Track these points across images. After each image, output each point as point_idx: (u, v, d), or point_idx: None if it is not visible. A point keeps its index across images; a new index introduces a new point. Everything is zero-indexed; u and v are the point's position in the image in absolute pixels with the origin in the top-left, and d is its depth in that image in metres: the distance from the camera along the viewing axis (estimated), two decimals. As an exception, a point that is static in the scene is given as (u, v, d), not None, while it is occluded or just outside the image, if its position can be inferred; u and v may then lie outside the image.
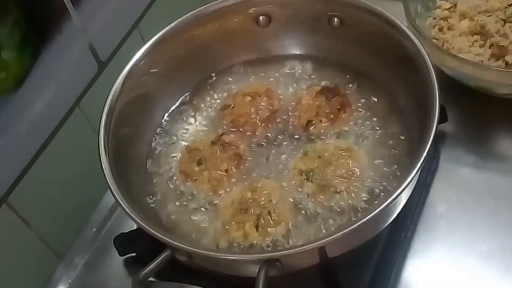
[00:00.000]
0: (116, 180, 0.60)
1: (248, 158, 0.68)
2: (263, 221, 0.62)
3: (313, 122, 0.69)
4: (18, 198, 0.67)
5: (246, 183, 0.66)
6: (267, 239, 0.61)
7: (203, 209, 0.65)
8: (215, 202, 0.65)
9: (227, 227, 0.62)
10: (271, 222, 0.62)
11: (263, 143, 0.69)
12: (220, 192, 0.66)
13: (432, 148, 0.57)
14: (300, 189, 0.64)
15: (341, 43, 0.73)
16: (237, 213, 0.63)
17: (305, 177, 0.64)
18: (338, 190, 0.63)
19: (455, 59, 0.70)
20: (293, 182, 0.65)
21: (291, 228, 0.62)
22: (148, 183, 0.69)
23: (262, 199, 0.63)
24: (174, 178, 0.68)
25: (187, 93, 0.76)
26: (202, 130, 0.72)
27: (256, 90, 0.73)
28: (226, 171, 0.67)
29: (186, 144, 0.70)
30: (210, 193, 0.66)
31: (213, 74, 0.77)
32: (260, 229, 0.61)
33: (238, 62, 0.77)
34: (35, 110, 0.68)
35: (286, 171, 0.66)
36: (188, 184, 0.67)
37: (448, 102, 0.69)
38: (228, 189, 0.66)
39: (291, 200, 0.64)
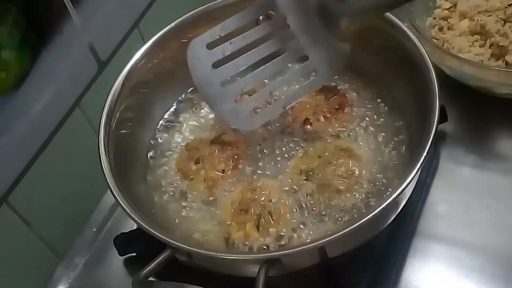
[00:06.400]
0: (116, 180, 0.60)
1: (248, 158, 0.68)
2: (263, 221, 0.62)
3: (311, 121, 0.69)
4: (18, 198, 0.67)
5: (245, 183, 0.66)
6: (268, 239, 0.61)
7: (202, 208, 0.65)
8: (214, 202, 0.65)
9: (228, 228, 0.63)
10: (272, 222, 0.62)
11: (262, 142, 0.69)
12: (215, 192, 0.66)
13: (432, 148, 0.57)
14: (300, 189, 0.64)
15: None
16: (237, 213, 0.63)
17: (305, 177, 0.64)
18: (338, 190, 0.63)
19: (455, 59, 0.70)
20: (293, 181, 0.65)
21: (291, 228, 0.62)
22: (148, 183, 0.69)
23: (262, 199, 0.63)
24: (173, 177, 0.68)
25: (187, 93, 0.76)
26: (201, 129, 0.72)
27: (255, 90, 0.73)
28: (223, 171, 0.66)
29: (186, 142, 0.70)
30: (206, 193, 0.66)
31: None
32: (260, 229, 0.61)
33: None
34: (35, 110, 0.68)
35: (286, 170, 0.66)
36: (186, 183, 0.67)
37: (448, 102, 0.69)
38: (224, 190, 0.66)
39: (291, 199, 0.64)
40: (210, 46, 0.66)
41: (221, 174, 0.66)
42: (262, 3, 0.66)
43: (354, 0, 0.62)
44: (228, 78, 0.66)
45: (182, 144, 0.71)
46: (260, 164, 0.68)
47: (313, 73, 0.67)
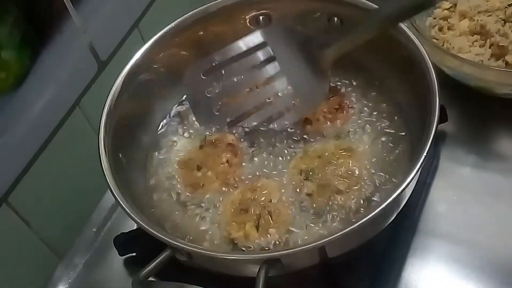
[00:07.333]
0: (116, 180, 0.60)
1: (245, 157, 0.68)
2: (263, 221, 0.62)
3: (311, 121, 0.69)
4: (18, 198, 0.67)
5: (245, 183, 0.66)
6: (268, 239, 0.61)
7: (202, 208, 0.65)
8: (214, 201, 0.65)
9: (228, 227, 0.62)
10: (271, 222, 0.62)
11: (261, 142, 0.69)
12: (235, 185, 0.65)
13: (432, 148, 0.57)
14: (300, 189, 0.64)
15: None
16: (237, 213, 0.63)
17: (305, 177, 0.64)
18: (338, 190, 0.63)
19: (455, 59, 0.70)
20: (293, 181, 0.65)
21: (291, 228, 0.62)
22: (149, 183, 0.69)
23: (262, 199, 0.63)
24: (174, 178, 0.68)
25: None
26: (203, 128, 0.72)
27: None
28: (228, 162, 0.66)
29: (177, 159, 0.70)
30: (224, 187, 0.65)
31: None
32: (260, 229, 0.61)
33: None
34: (35, 110, 0.68)
35: (286, 170, 0.66)
36: (196, 193, 0.66)
37: (448, 102, 0.69)
38: (240, 178, 0.66)
39: (291, 199, 0.64)
40: (205, 73, 0.71)
41: (228, 164, 0.66)
42: (252, 37, 0.71)
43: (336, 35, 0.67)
44: (220, 104, 0.71)
45: (183, 143, 0.71)
46: (259, 164, 0.67)
47: (294, 105, 0.69)
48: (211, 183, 0.66)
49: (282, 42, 0.69)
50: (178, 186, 0.67)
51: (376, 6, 0.68)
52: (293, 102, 0.69)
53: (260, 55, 0.70)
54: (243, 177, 0.66)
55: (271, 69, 0.70)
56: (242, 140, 0.69)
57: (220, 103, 0.71)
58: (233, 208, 0.63)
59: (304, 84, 0.68)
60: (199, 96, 0.71)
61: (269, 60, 0.70)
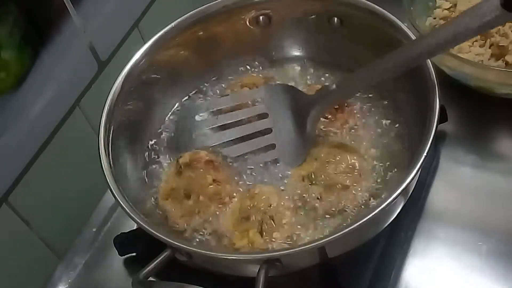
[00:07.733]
0: (116, 180, 0.60)
1: (231, 170, 0.67)
2: (266, 226, 0.61)
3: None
4: (18, 198, 0.67)
5: (242, 192, 0.65)
6: (273, 244, 0.60)
7: (205, 235, 0.64)
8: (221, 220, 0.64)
9: (231, 237, 0.62)
10: (274, 226, 0.61)
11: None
12: (231, 201, 0.64)
13: (432, 148, 0.57)
14: (308, 194, 0.63)
15: (341, 43, 0.73)
16: (238, 222, 0.62)
17: (309, 182, 0.64)
18: (345, 186, 0.63)
19: (455, 59, 0.70)
20: (299, 189, 0.64)
21: (296, 231, 0.62)
22: (148, 183, 0.69)
23: (262, 204, 0.62)
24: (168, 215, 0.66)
25: (188, 93, 0.76)
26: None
27: (254, 82, 0.73)
28: (214, 180, 0.65)
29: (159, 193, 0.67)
30: (220, 206, 0.64)
31: (213, 74, 0.77)
32: (264, 234, 0.61)
33: (238, 62, 0.77)
34: (35, 110, 0.68)
35: (282, 172, 0.66)
36: (195, 220, 0.64)
37: (448, 102, 0.69)
38: (234, 192, 0.65)
39: (298, 205, 0.63)
40: (200, 115, 0.71)
41: (217, 183, 0.65)
42: (255, 93, 0.71)
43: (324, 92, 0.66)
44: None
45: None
46: (249, 171, 0.67)
47: (276, 163, 0.67)
48: (206, 208, 0.64)
49: (279, 102, 0.69)
50: (171, 219, 0.65)
51: (376, 6, 0.68)
52: (273, 159, 0.67)
53: (255, 111, 0.69)
54: (235, 193, 0.65)
55: (262, 124, 0.69)
56: (220, 155, 0.68)
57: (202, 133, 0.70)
58: (234, 218, 0.63)
59: (287, 145, 0.67)
60: (188, 117, 0.72)
61: (263, 116, 0.69)
